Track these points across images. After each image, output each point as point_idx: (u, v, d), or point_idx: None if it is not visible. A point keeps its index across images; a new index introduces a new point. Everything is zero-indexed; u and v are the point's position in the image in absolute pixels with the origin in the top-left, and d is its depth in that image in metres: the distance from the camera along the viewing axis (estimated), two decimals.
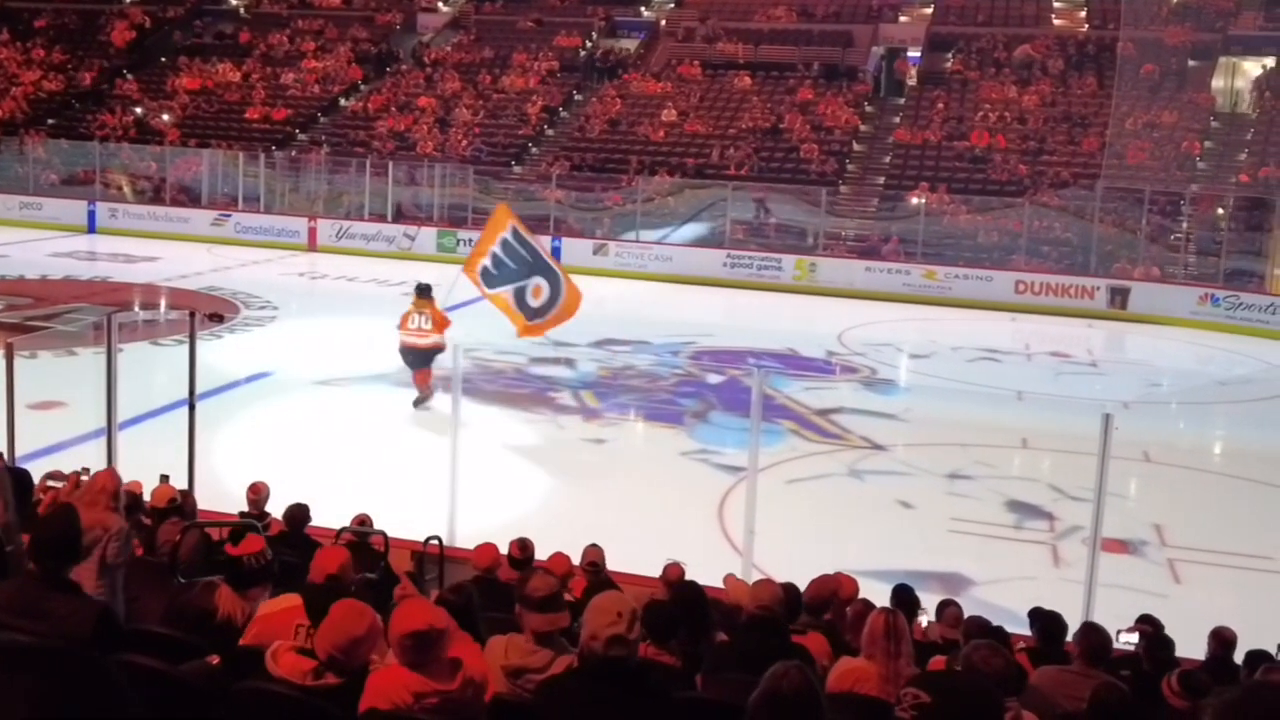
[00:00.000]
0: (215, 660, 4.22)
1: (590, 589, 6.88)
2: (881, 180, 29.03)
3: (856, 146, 30.20)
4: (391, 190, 29.09)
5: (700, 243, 26.99)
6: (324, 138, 32.25)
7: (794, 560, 8.61)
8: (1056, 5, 35.71)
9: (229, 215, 29.36)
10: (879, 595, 7.27)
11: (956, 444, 14.36)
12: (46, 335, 17.44)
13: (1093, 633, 5.93)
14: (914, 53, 33.79)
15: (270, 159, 30.62)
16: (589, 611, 3.82)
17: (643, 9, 37.67)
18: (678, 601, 6.19)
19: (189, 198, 30.37)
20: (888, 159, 29.81)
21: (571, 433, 14.62)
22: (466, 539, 9.08)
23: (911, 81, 32.81)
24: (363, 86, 34.82)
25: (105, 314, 10.07)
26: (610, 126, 31.33)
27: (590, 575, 8.16)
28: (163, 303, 21.76)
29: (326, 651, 3.73)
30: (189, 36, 38.42)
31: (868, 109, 31.52)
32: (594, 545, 8.28)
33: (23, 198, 30.25)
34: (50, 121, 33.95)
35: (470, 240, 27.44)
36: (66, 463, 7.95)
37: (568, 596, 5.99)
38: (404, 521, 9.30)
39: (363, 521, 9.08)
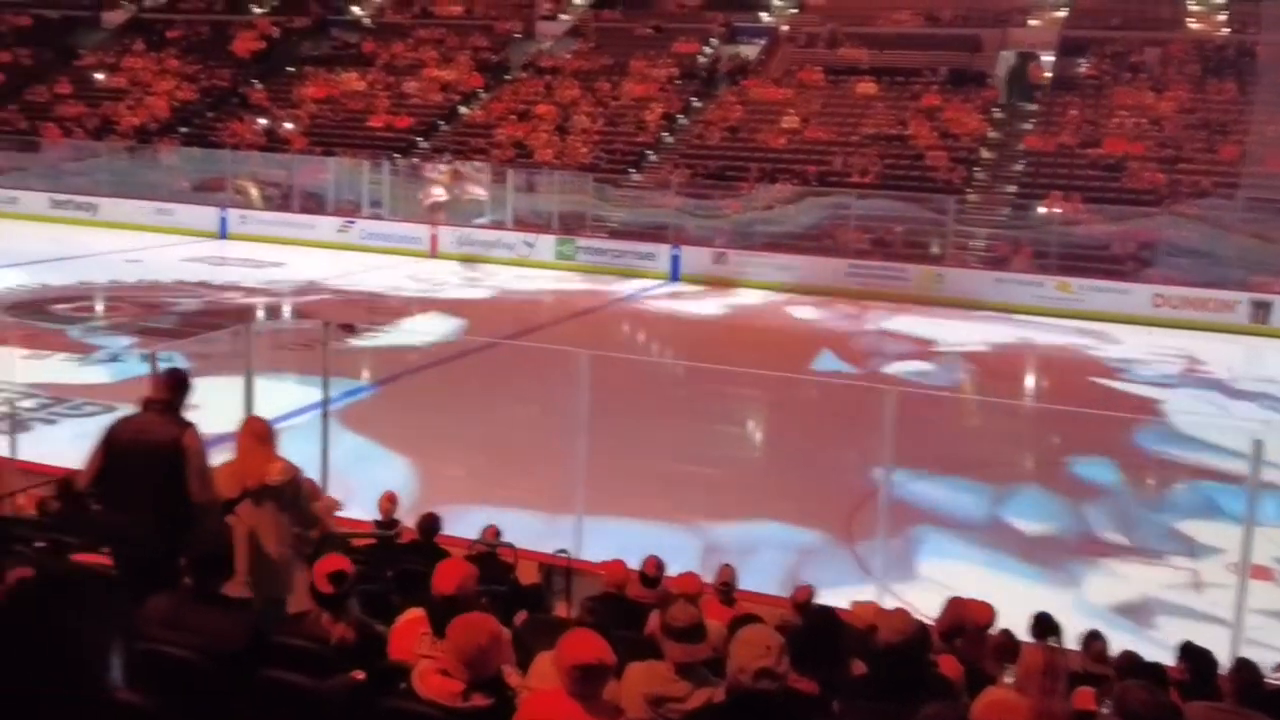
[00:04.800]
0: (359, 676, 4.26)
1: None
2: (1012, 188, 28.18)
3: (985, 153, 29.39)
4: (511, 197, 29.17)
5: (823, 251, 26.45)
6: (445, 146, 32.53)
7: (921, 579, 8.36)
8: (1193, 8, 34.41)
9: (353, 221, 29.76)
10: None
11: None
12: (185, 342, 17.78)
13: (1245, 669, 5.82)
14: (1045, 57, 32.79)
15: (394, 166, 30.99)
16: (736, 644, 3.81)
17: (763, 14, 37.29)
18: (812, 626, 6.07)
19: (315, 204, 30.86)
20: (1018, 166, 28.94)
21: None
22: (594, 552, 9.04)
23: (1043, 86, 31.82)
24: (482, 94, 35.08)
25: (240, 325, 10.19)
26: (730, 133, 31.01)
27: (722, 596, 8.02)
28: (292, 310, 22.09)
29: (454, 664, 3.75)
30: (316, 46, 39.17)
31: (997, 115, 30.68)
32: (727, 565, 8.13)
33: (157, 204, 31.02)
34: (182, 130, 34.85)
35: (590, 248, 27.56)
36: None
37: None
38: (533, 532, 9.26)
39: (495, 533, 9.14)
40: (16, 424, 11.46)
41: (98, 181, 32.05)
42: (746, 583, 8.26)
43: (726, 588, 7.93)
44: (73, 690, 1.81)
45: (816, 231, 27.02)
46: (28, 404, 13.79)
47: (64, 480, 8.74)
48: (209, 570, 4.50)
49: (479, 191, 29.62)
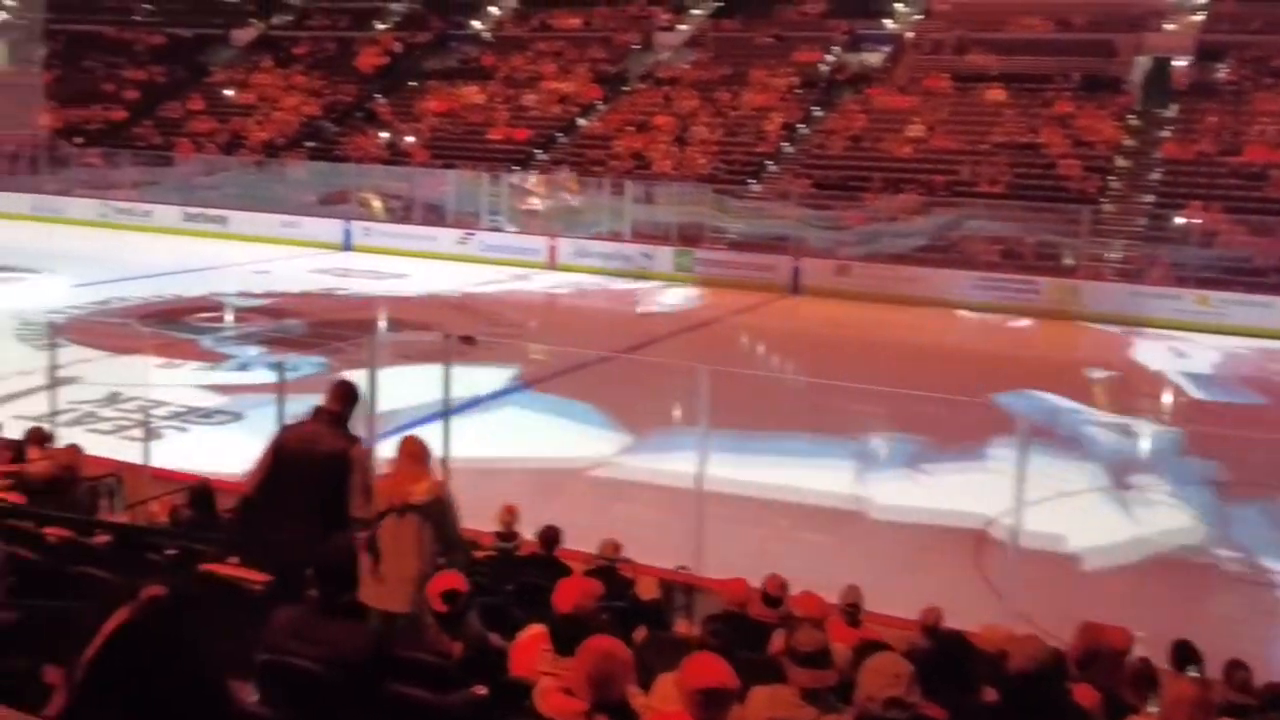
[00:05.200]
0: (481, 691, 4.28)
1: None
2: (1149, 198, 27.14)
3: (1120, 162, 28.35)
4: (629, 209, 29.08)
5: (950, 263, 25.77)
6: (563, 158, 32.63)
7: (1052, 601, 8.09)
8: None
9: (473, 233, 29.97)
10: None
11: None
12: (311, 352, 18.03)
13: None
14: (1182, 61, 31.58)
15: (512, 179, 31.16)
16: (865, 672, 3.80)
17: (887, 21, 36.62)
18: (941, 651, 6.06)
19: (436, 216, 31.18)
20: (1155, 175, 27.85)
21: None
22: (714, 569, 8.88)
23: (1180, 93, 30.64)
24: (600, 106, 35.11)
25: (364, 335, 10.27)
26: (852, 142, 30.49)
27: (847, 617, 7.82)
28: (414, 321, 22.27)
29: (581, 685, 3.74)
30: (437, 61, 39.69)
31: (1132, 122, 29.60)
32: (852, 585, 7.94)
33: (284, 216, 31.65)
34: (308, 144, 35.58)
35: (709, 260, 27.31)
36: None
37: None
38: (651, 546, 9.13)
39: (614, 548, 9.04)
40: (150, 432, 11.62)
41: (227, 195, 32.88)
42: (871, 603, 8.03)
43: (853, 609, 7.79)
44: (202, 704, 1.80)
45: (943, 243, 26.35)
46: (160, 412, 14.02)
47: (196, 488, 8.81)
48: (335, 582, 4.50)
49: (570, 199, 29.67)
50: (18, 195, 34.09)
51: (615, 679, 3.77)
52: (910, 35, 35.70)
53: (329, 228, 31.01)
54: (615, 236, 29.02)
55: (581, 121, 34.61)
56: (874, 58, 34.90)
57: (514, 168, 32.02)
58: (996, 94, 30.90)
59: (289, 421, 6.55)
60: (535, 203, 29.93)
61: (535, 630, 4.70)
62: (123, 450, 11.50)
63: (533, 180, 30.47)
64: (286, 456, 6.20)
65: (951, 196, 27.19)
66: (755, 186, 29.80)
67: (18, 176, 35.13)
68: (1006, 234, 26.00)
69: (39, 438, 9.68)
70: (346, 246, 30.42)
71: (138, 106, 39.13)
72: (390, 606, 5.92)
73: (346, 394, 6.41)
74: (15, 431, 10.04)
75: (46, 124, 37.68)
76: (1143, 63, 31.81)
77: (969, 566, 10.67)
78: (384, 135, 35.15)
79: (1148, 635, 6.92)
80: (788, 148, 31.35)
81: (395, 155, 33.88)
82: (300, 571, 5.36)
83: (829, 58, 34.98)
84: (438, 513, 6.35)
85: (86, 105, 39.24)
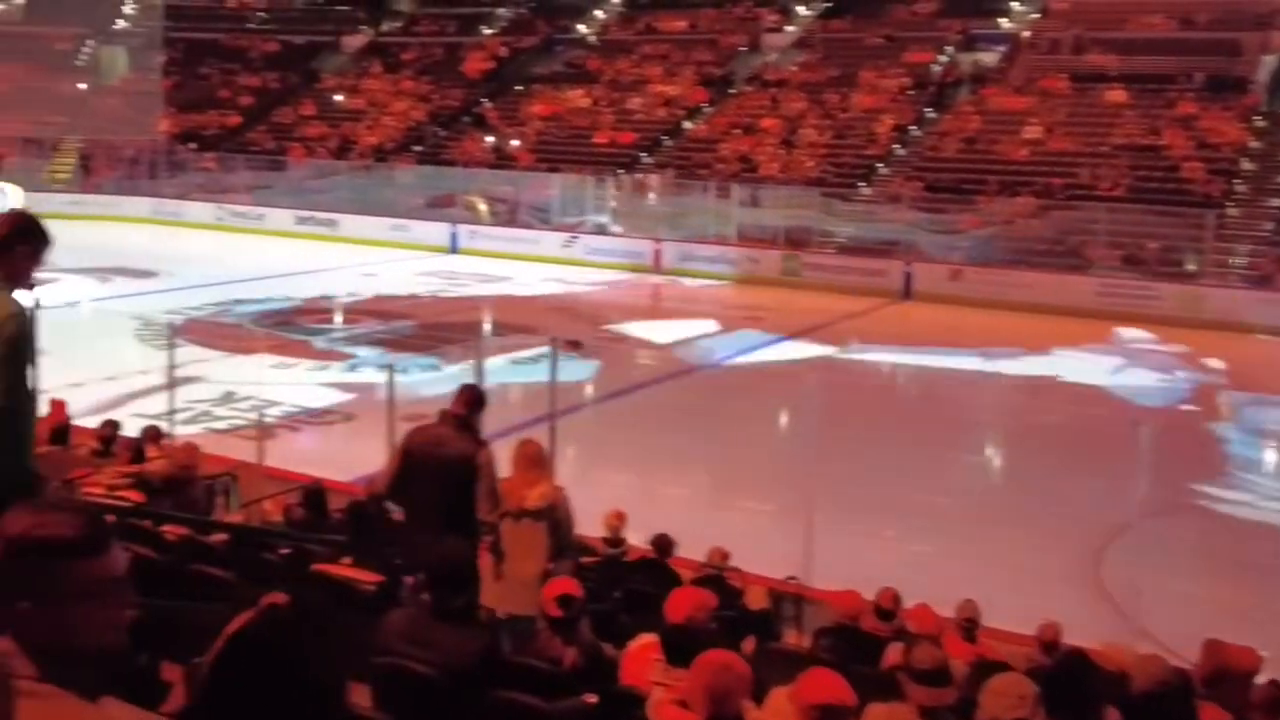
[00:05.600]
0: (591, 699, 4.25)
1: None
2: (1276, 202, 26.04)
3: (1246, 165, 27.26)
4: (735, 212, 28.83)
5: (1069, 269, 25.02)
6: (669, 161, 32.50)
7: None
8: None
9: (577, 237, 30.00)
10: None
11: None
12: (419, 354, 18.17)
13: None
14: None
15: (617, 182, 31.11)
16: (987, 693, 3.76)
17: (1002, 20, 35.79)
18: (1062, 670, 5.62)
19: (540, 220, 31.29)
20: None
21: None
22: (823, 579, 8.79)
23: None
24: (707, 109, 34.92)
25: (470, 338, 10.32)
26: (966, 145, 29.85)
27: (964, 632, 7.64)
28: (519, 324, 22.33)
29: (697, 698, 3.68)
30: (543, 65, 39.89)
31: (1258, 123, 28.45)
32: (969, 600, 7.74)
33: (392, 220, 32.06)
34: (416, 148, 36.00)
35: (817, 264, 26.94)
36: None
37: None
38: (758, 555, 9.00)
39: (723, 556, 8.97)
40: (263, 431, 11.75)
41: (337, 199, 33.43)
42: (985, 617, 7.78)
43: (970, 624, 7.61)
44: (321, 708, 1.81)
45: (1061, 248, 25.59)
46: (273, 411, 14.18)
47: (309, 488, 8.85)
48: (447, 586, 4.46)
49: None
50: (138, 199, 35.17)
51: (733, 693, 3.70)
52: (1026, 35, 34.85)
53: (436, 231, 31.29)
54: (721, 240, 28.78)
55: (687, 124, 34.46)
56: (989, 58, 34.16)
57: (619, 171, 31.99)
58: (1116, 95, 29.95)
59: (417, 425, 6.55)
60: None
61: (646, 639, 4.66)
62: (237, 449, 11.63)
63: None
64: (414, 459, 6.29)
65: (1069, 200, 26.41)
66: (865, 190, 29.35)
67: (138, 181, 36.19)
68: (1126, 239, 25.16)
69: (155, 436, 9.82)
70: (453, 249, 30.67)
71: (251, 112, 40.04)
72: (512, 609, 6.03)
73: (473, 398, 6.50)
74: (134, 430, 10.20)
75: (165, 130, 38.74)
76: (1269, 62, 30.57)
77: (1088, 581, 10.30)
78: (490, 139, 35.42)
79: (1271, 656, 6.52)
80: (899, 150, 30.83)
81: (501, 159, 34.10)
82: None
83: (942, 58, 34.33)
84: (553, 518, 6.42)
85: (203, 111, 40.29)
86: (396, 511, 7.16)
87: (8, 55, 41.37)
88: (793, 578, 8.95)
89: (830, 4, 38.27)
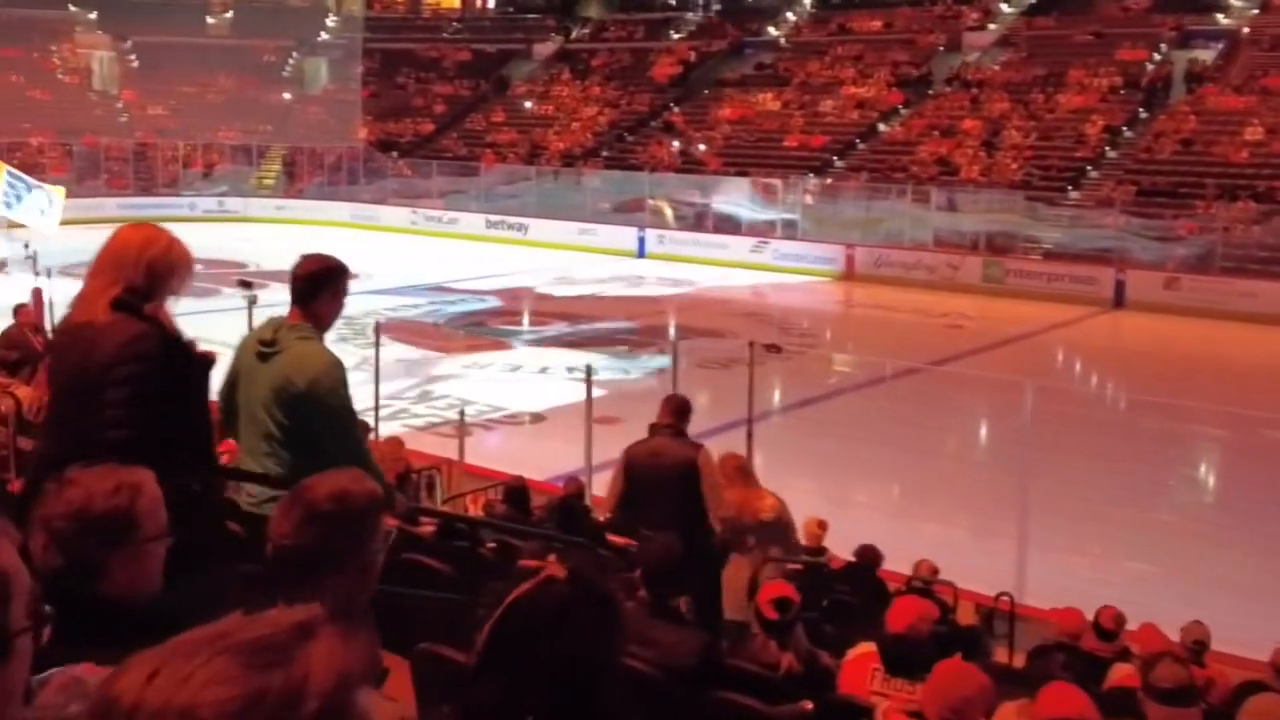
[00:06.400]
0: (808, 706, 4.20)
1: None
2: None
3: None
4: (933, 217, 27.84)
5: None
6: (862, 164, 31.69)
7: None
8: None
9: (767, 242, 29.49)
10: None
11: None
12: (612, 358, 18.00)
13: None
14: None
15: (808, 186, 30.48)
16: (1246, 715, 3.84)
17: (1220, 16, 33.88)
18: None
19: (729, 225, 30.89)
20: None
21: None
22: (1036, 596, 8.63)
23: None
24: (903, 110, 33.96)
25: (664, 341, 10.10)
26: (1183, 146, 28.32)
27: (1192, 656, 7.08)
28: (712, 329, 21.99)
29: (935, 710, 3.63)
30: (732, 69, 39.55)
31: None
32: (1197, 621, 7.30)
33: (580, 224, 32.21)
34: (604, 154, 36.11)
35: (1021, 271, 25.74)
36: None
37: None
38: (960, 569, 8.77)
39: (931, 569, 8.80)
40: (462, 428, 11.68)
41: (527, 204, 33.88)
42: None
43: (1199, 646, 7.11)
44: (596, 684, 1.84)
45: None
46: (469, 410, 14.13)
47: (512, 485, 8.74)
48: (662, 585, 4.49)
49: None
50: (338, 204, 36.30)
51: (972, 704, 3.64)
52: (1246, 31, 33.02)
53: (624, 235, 31.29)
54: (917, 245, 27.83)
55: (882, 127, 33.58)
56: (1206, 55, 32.34)
57: (810, 175, 31.33)
58: None
59: (632, 442, 6.79)
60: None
61: (865, 648, 4.67)
62: (434, 446, 11.64)
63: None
64: (637, 473, 6.54)
65: None
66: (1073, 194, 28.13)
67: (338, 186, 37.38)
68: None
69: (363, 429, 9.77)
70: (640, 254, 30.56)
71: (445, 119, 40.95)
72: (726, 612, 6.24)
73: (679, 407, 6.78)
74: None
75: (364, 137, 39.99)
76: None
77: None
78: (677, 144, 35.23)
79: None
80: (1110, 152, 29.51)
81: (689, 163, 33.86)
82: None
83: (1156, 56, 32.61)
84: (777, 527, 6.81)
85: (399, 119, 41.43)
86: (598, 512, 7.32)
87: (219, 67, 43.48)
88: (1005, 594, 8.61)
89: (1035, 1, 36.83)
